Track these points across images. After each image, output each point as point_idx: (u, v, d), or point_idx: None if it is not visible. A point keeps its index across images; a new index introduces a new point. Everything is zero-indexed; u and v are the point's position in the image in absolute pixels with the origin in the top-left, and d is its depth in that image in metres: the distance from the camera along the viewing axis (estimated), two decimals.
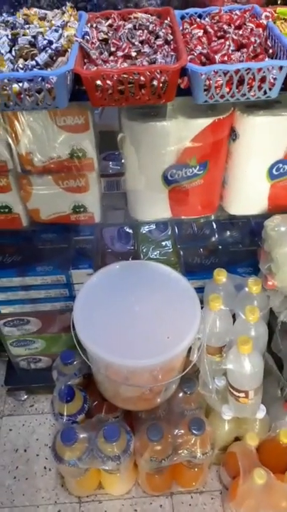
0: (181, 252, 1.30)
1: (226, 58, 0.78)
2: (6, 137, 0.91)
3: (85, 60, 0.79)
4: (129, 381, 1.04)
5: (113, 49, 0.80)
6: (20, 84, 0.70)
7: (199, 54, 0.80)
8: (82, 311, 1.07)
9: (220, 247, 1.30)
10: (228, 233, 1.34)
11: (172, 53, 0.80)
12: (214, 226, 1.35)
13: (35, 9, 0.86)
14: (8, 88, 0.70)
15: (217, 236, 1.32)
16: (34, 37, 0.78)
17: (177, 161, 0.98)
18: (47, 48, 0.75)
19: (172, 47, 0.82)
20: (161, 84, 0.74)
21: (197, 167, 1.00)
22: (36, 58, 0.74)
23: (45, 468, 1.34)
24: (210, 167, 1.00)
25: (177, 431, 1.15)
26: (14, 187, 0.99)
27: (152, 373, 1.04)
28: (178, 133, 0.94)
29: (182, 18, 0.92)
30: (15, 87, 0.71)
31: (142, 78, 0.72)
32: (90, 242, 1.27)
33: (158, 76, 0.72)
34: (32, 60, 0.75)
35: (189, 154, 0.97)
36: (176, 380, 1.13)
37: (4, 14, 0.87)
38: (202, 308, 1.09)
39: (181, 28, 0.88)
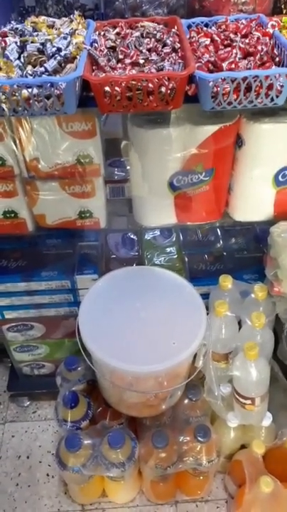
0: (186, 258, 1.30)
1: (233, 66, 0.79)
2: (11, 143, 0.91)
3: (93, 67, 0.80)
4: (134, 387, 1.04)
5: (121, 56, 0.80)
6: (30, 90, 0.71)
7: (206, 62, 0.81)
8: (87, 316, 1.07)
9: (225, 253, 1.30)
10: (233, 239, 1.34)
11: (179, 61, 0.80)
12: (219, 232, 1.35)
13: (43, 17, 0.87)
14: (17, 94, 0.71)
15: (221, 242, 1.32)
16: (43, 44, 0.79)
17: (183, 167, 0.98)
18: (56, 55, 0.76)
19: (179, 55, 0.83)
20: (169, 91, 0.74)
21: (203, 173, 1.00)
22: (45, 65, 0.75)
23: (47, 475, 1.33)
24: (216, 173, 1.01)
25: (182, 438, 1.14)
26: (20, 192, 1.00)
27: (157, 379, 1.03)
28: (184, 140, 0.95)
29: (189, 27, 0.93)
30: (25, 92, 0.71)
31: (150, 85, 0.73)
32: (95, 248, 1.28)
33: (166, 83, 0.73)
34: (41, 66, 0.76)
35: (195, 161, 0.98)
36: (181, 387, 1.12)
37: (13, 22, 0.88)
38: (207, 314, 1.09)
39: (188, 36, 0.89)
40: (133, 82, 0.72)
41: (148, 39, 0.85)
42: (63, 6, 1.02)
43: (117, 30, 0.88)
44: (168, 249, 1.34)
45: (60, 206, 1.03)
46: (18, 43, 0.80)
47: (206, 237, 1.34)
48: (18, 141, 0.91)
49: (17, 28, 0.84)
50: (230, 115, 0.94)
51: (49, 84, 0.70)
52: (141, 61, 0.79)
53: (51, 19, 0.87)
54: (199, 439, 1.10)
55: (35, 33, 0.83)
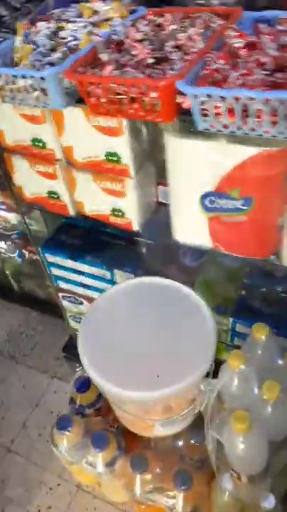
0: (243, 291, 1.13)
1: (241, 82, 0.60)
2: (51, 127, 0.92)
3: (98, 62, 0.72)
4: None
5: (134, 52, 0.71)
6: (18, 81, 0.69)
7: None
8: (88, 334, 0.99)
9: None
10: None
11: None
12: None
13: (97, 3, 0.82)
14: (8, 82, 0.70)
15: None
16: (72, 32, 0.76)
17: (215, 188, 0.83)
18: (64, 47, 0.72)
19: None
20: (155, 101, 0.63)
21: (241, 201, 0.83)
22: (51, 56, 0.72)
23: None
24: (257, 204, 0.82)
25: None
26: (60, 176, 1.01)
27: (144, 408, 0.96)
28: (218, 157, 0.79)
29: (258, 21, 0.75)
30: (20, 82, 0.70)
31: (133, 89, 0.63)
32: (149, 248, 1.21)
33: (145, 90, 0.61)
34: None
35: (230, 184, 0.81)
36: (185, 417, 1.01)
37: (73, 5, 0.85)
38: None
39: (255, 34, 0.72)
40: (113, 85, 0.63)
41: (186, 34, 0.72)
42: None
43: (161, 20, 0.76)
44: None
45: (94, 198, 1.01)
46: (52, 29, 0.78)
47: (272, 274, 1.12)
48: (56, 127, 0.91)
49: (60, 15, 0.81)
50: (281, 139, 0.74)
51: (30, 76, 0.67)
52: (150, 60, 0.68)
53: (98, 4, 0.81)
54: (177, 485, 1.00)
55: (75, 19, 0.79)
